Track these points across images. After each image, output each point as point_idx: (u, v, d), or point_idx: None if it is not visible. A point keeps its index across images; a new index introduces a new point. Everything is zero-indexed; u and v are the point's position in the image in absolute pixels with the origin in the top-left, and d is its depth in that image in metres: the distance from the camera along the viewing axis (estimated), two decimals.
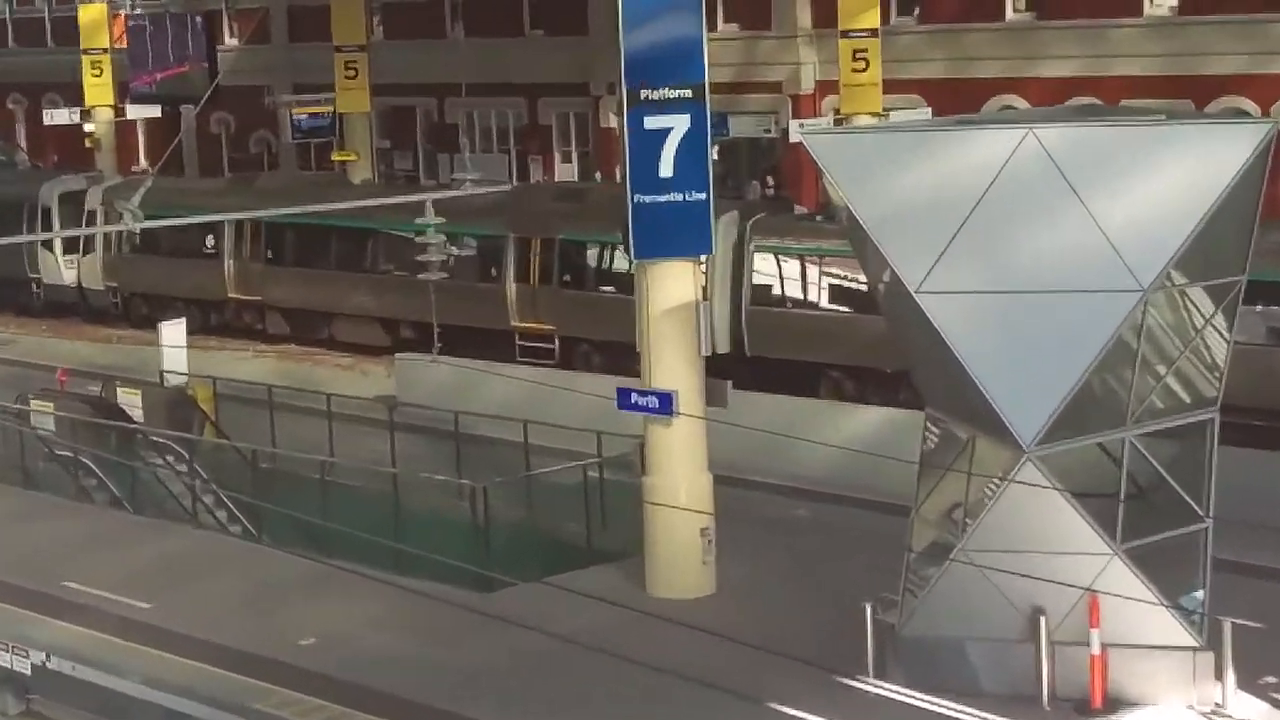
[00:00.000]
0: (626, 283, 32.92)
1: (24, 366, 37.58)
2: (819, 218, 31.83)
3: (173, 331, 31.73)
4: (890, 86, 38.13)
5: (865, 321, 29.41)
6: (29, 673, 21.80)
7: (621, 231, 22.00)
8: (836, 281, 30.96)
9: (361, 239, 37.71)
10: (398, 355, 34.07)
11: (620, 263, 33.59)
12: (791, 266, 31.41)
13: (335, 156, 45.86)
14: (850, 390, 30.36)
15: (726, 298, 31.06)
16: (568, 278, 34.37)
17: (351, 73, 43.64)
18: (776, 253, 31.34)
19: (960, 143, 17.73)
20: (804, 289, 31.29)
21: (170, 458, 28.39)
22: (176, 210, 34.54)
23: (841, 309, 30.88)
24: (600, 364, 33.43)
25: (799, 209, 33.03)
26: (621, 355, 32.24)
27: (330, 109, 45.20)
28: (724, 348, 22.04)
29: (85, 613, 22.61)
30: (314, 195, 37.77)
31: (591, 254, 34.34)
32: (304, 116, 45.83)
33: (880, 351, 28.89)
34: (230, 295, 40.33)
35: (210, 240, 40.34)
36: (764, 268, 31.55)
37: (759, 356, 31.08)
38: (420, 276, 29.28)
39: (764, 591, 21.89)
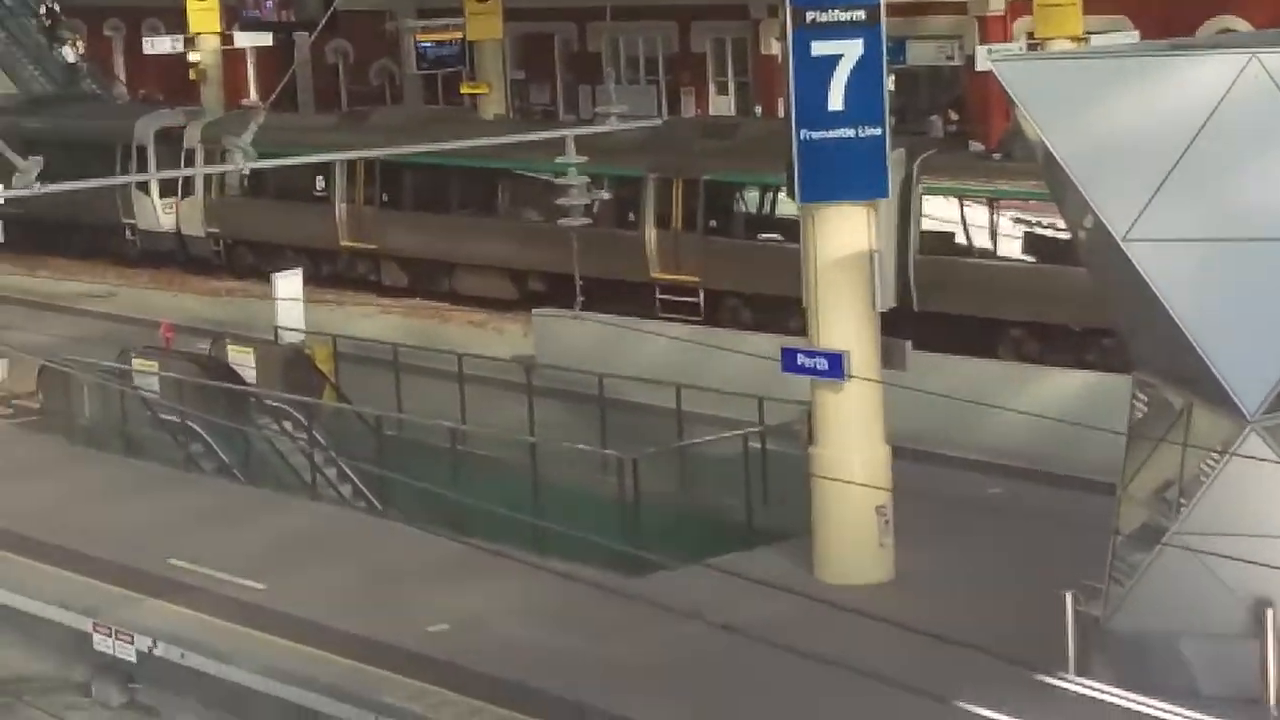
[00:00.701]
0: (779, 229, 33.10)
1: (125, 322, 38.38)
2: (997, 155, 31.63)
3: (288, 284, 32.20)
4: (1092, 6, 37.64)
5: (1050, 273, 29.24)
6: (134, 660, 22.33)
7: (786, 172, 22.00)
8: (1017, 228, 30.76)
9: (489, 181, 38.05)
10: (535, 311, 34.32)
11: (772, 207, 33.64)
12: (966, 211, 31.25)
13: (464, 89, 46.21)
14: (1033, 351, 30.20)
15: (892, 247, 31.02)
16: (714, 223, 34.40)
17: None
18: (949, 195, 31.20)
19: (1173, 70, 17.54)
20: (980, 236, 31.13)
21: (286, 423, 28.84)
22: (287, 150, 34.96)
23: (1023, 259, 30.68)
24: (750, 320, 33.49)
25: (974, 146, 32.83)
26: (774, 309, 32.45)
27: (459, 35, 45.50)
28: (889, 303, 22.02)
29: (194, 594, 23.10)
30: (434, 132, 38.07)
31: (740, 197, 34.29)
32: (430, 44, 46.19)
33: (1067, 306, 28.75)
34: (343, 243, 40.87)
35: (320, 183, 40.84)
36: (935, 212, 31.42)
37: (928, 312, 31.01)
38: (561, 222, 29.47)
39: (949, 579, 21.87)
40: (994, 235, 31.00)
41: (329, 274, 41.07)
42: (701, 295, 34.57)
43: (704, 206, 34.56)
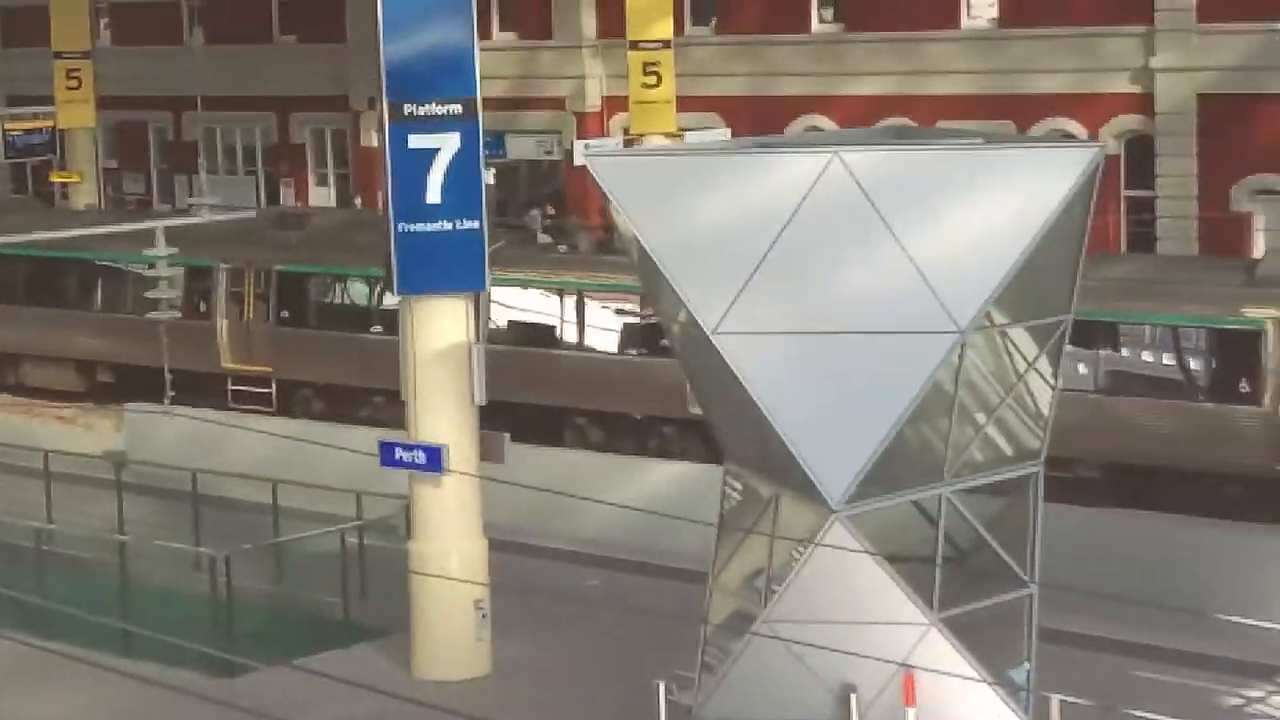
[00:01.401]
0: (354, 319, 33.07)
1: None
2: (562, 247, 32.16)
3: None
4: (685, 104, 38.54)
5: (614, 363, 29.79)
6: None
7: (384, 263, 21.89)
8: (589, 317, 31.19)
9: (64, 272, 37.13)
10: (128, 406, 33.51)
11: (349, 296, 33.65)
12: (537, 300, 31.57)
13: (54, 177, 45.10)
14: (596, 438, 30.65)
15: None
16: (285, 314, 34.32)
17: (74, 83, 42.99)
18: (516, 285, 31.45)
19: (761, 167, 17.89)
20: (553, 326, 31.52)
21: None
22: None
23: (591, 349, 31.06)
24: (322, 411, 33.46)
25: (542, 239, 33.38)
26: (346, 400, 32.35)
27: (49, 124, 44.41)
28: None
29: None
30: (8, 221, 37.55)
31: (313, 286, 34.21)
32: (19, 132, 44.98)
33: (631, 396, 29.33)
34: None
35: None
36: (503, 301, 31.61)
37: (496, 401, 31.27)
38: (150, 315, 28.90)
39: (547, 671, 21.86)
40: (563, 325, 31.42)
41: None
42: (274, 385, 34.38)
43: (276, 297, 34.35)
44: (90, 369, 37.15)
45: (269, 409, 33.78)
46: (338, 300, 34.35)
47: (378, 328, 32.54)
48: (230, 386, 34.54)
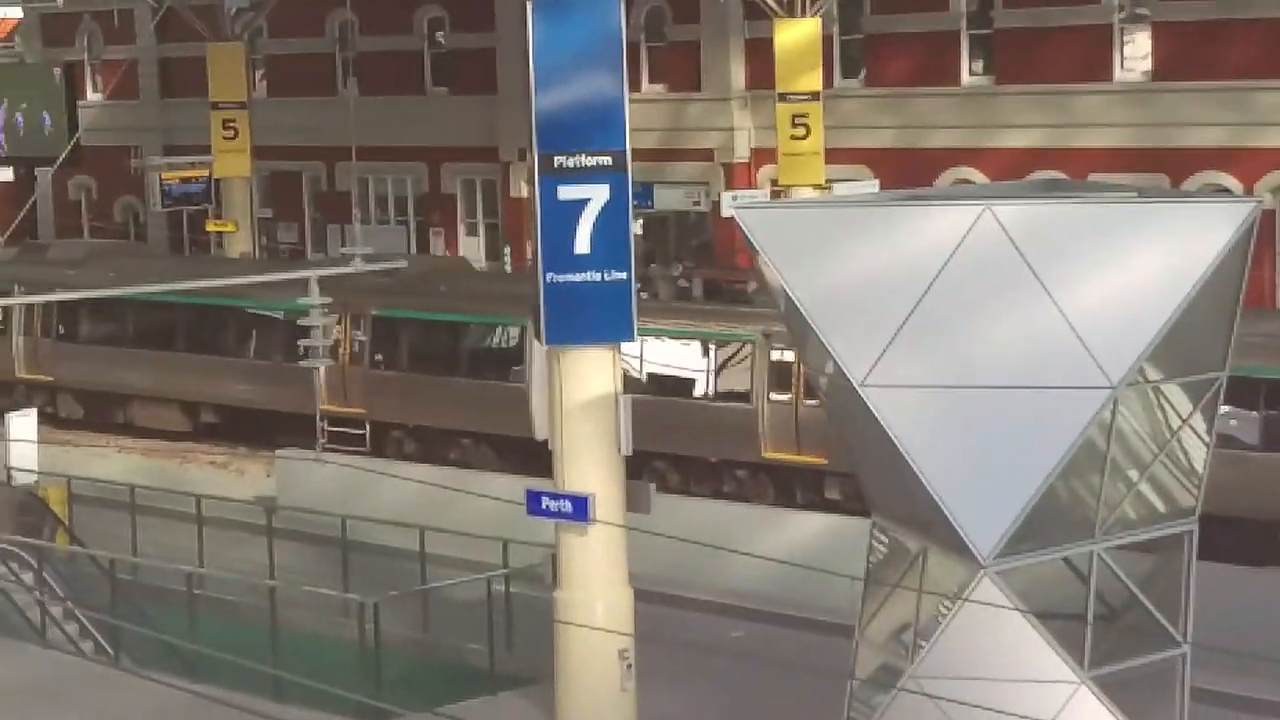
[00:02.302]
0: (444, 363, 33.96)
1: None
2: (644, 294, 32.54)
3: (22, 424, 31.44)
4: (833, 156, 38.51)
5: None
6: None
7: (532, 313, 22.02)
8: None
9: (170, 315, 38.15)
10: (278, 452, 33.93)
11: (440, 340, 34.56)
12: (669, 350, 31.86)
13: (210, 226, 45.80)
14: (675, 482, 31.06)
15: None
16: (379, 357, 34.98)
17: (230, 133, 43.68)
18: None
19: (910, 220, 17.81)
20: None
21: (15, 565, 28.03)
22: None
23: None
24: (415, 452, 34.23)
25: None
26: (437, 442, 33.32)
27: (205, 173, 45.15)
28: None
29: None
30: (111, 265, 38.41)
31: (404, 331, 35.02)
32: (175, 181, 45.77)
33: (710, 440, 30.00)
34: (20, 375, 40.87)
35: None
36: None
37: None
38: (304, 363, 29.28)
39: None
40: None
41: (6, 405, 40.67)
42: (368, 427, 35.17)
43: (371, 340, 35.25)
44: (195, 409, 38.30)
45: (363, 449, 34.47)
46: (429, 344, 35.00)
47: (466, 372, 33.70)
48: (326, 427, 35.03)
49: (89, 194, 53.50)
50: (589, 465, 21.67)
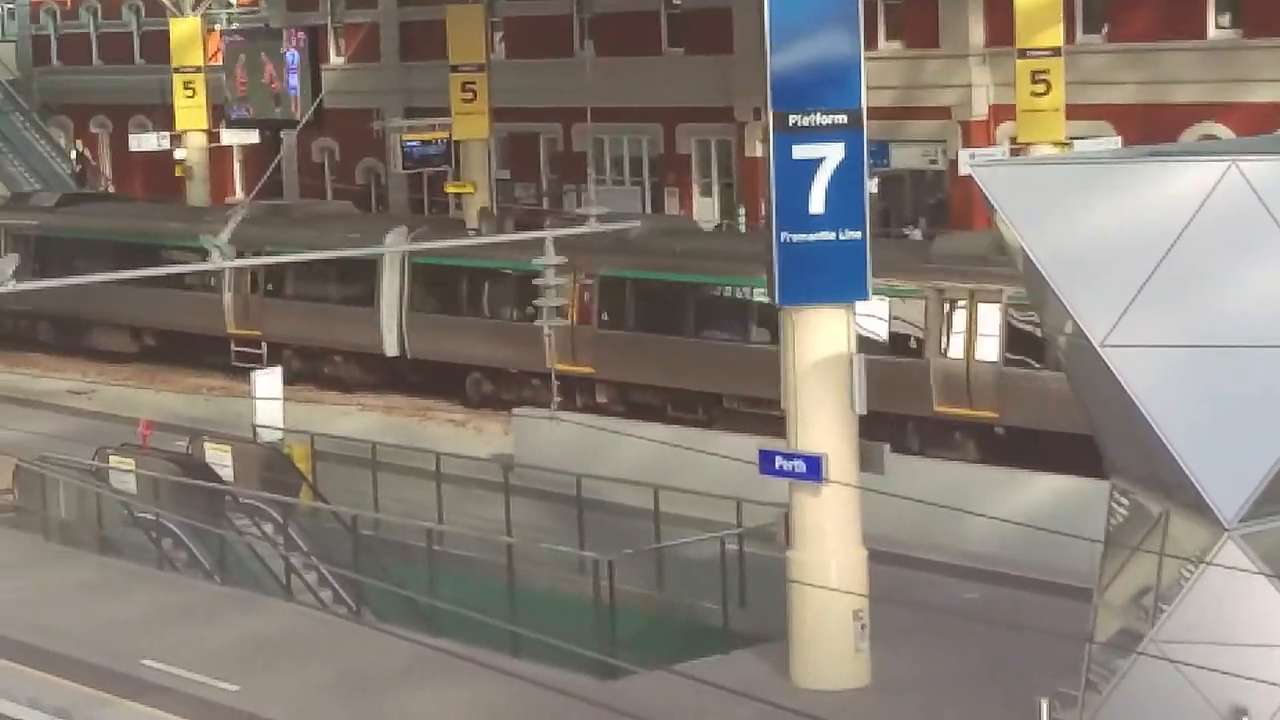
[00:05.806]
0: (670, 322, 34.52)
1: (104, 419, 38.21)
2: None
3: (267, 382, 32.12)
4: (1074, 112, 37.84)
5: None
6: None
7: (766, 273, 21.98)
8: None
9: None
10: (515, 411, 34.29)
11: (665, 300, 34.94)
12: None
13: (449, 188, 46.34)
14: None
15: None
16: (606, 316, 35.74)
17: (469, 95, 44.07)
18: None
19: (1154, 176, 17.51)
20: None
21: (263, 522, 28.66)
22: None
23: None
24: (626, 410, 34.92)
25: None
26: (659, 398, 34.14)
27: (445, 135, 45.64)
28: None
29: (166, 695, 22.85)
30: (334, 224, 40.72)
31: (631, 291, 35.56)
32: (415, 143, 46.33)
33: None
34: (231, 331, 42.30)
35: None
36: None
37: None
38: (538, 322, 29.77)
39: (926, 684, 21.69)
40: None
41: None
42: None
43: (598, 301, 35.87)
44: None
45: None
46: (654, 304, 35.39)
47: (694, 330, 34.37)
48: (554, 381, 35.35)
49: (331, 156, 54.42)
50: (823, 425, 21.60)
